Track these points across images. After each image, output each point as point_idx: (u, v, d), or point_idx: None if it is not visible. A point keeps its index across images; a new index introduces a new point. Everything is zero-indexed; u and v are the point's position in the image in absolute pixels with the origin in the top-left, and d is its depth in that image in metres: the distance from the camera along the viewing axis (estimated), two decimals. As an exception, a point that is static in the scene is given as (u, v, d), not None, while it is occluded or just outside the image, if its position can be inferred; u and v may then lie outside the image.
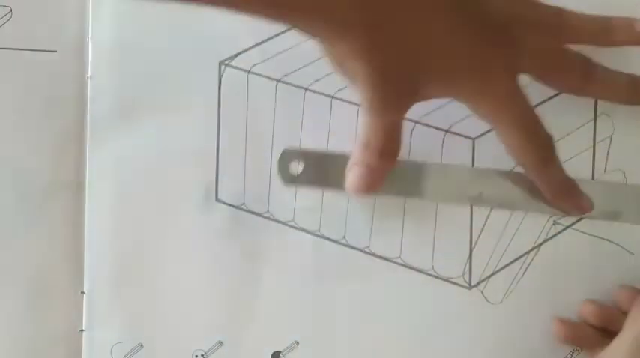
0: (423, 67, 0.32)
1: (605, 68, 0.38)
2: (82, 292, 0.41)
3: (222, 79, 0.41)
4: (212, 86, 0.41)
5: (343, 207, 0.41)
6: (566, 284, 0.41)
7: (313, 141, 0.41)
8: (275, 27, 0.41)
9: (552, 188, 0.38)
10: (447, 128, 0.39)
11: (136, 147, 0.41)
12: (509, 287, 0.41)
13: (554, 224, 0.41)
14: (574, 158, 0.41)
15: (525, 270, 0.41)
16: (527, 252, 0.41)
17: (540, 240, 0.41)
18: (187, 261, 0.41)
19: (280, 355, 0.41)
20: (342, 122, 0.41)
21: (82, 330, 0.41)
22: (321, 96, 0.41)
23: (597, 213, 0.40)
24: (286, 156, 0.40)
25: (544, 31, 0.37)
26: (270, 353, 0.41)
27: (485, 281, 0.41)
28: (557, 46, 0.37)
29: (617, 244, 0.41)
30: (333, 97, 0.40)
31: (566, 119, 0.41)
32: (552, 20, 0.37)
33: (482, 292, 0.41)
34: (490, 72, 0.34)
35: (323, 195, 0.41)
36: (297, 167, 0.40)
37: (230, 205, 0.41)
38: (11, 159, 0.41)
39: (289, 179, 0.40)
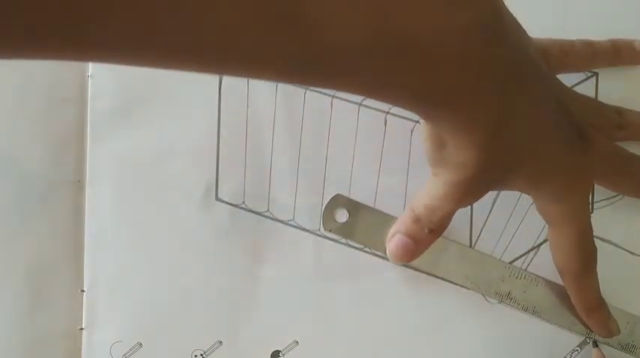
0: (520, 164, 0.32)
1: None
2: (82, 290, 0.41)
3: (223, 78, 0.41)
4: (212, 85, 0.41)
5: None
6: (566, 284, 0.41)
7: (313, 140, 0.41)
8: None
9: (586, 300, 0.38)
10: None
11: (136, 146, 0.41)
12: (509, 287, 0.41)
13: (554, 224, 0.41)
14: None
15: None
16: (527, 252, 0.41)
17: (540, 240, 0.41)
18: (187, 259, 0.41)
19: (280, 354, 0.41)
20: (342, 122, 0.41)
21: (81, 329, 0.41)
22: (321, 95, 0.41)
23: (615, 342, 0.40)
24: (335, 202, 0.41)
25: (609, 133, 0.38)
26: (270, 353, 0.41)
27: (485, 281, 0.41)
28: (619, 149, 0.38)
29: (617, 244, 0.41)
30: (333, 97, 0.41)
31: (566, 119, 0.41)
32: (616, 120, 0.39)
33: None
34: (574, 175, 0.34)
35: (323, 195, 0.41)
36: (342, 215, 0.41)
37: (230, 204, 0.41)
38: (11, 158, 0.41)
39: (331, 225, 0.41)
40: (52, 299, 0.40)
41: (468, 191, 0.33)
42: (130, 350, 0.41)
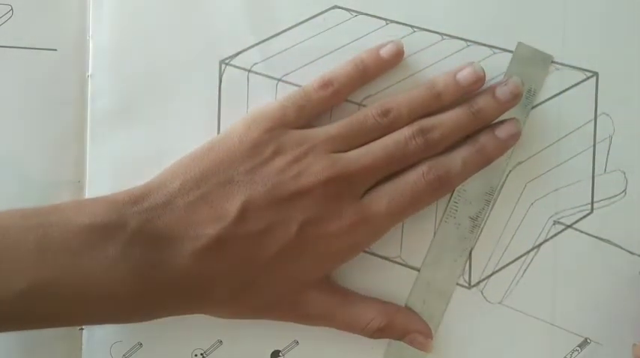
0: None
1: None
2: (82, 291, 0.41)
3: (223, 78, 0.41)
4: (212, 85, 0.41)
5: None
6: (566, 284, 0.41)
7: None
8: (275, 26, 0.41)
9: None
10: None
11: (136, 147, 0.41)
12: (509, 287, 0.41)
13: (554, 224, 0.41)
14: (574, 158, 0.41)
15: (525, 270, 0.41)
16: (527, 252, 0.41)
17: (540, 240, 0.41)
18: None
19: (280, 354, 0.41)
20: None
21: (81, 329, 0.41)
22: (321, 95, 0.40)
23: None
24: None
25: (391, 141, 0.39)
26: (270, 353, 0.41)
27: (485, 281, 0.41)
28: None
29: (617, 244, 0.41)
30: (333, 97, 0.40)
31: (566, 119, 0.41)
32: (384, 124, 0.38)
33: (482, 292, 0.41)
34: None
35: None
36: None
37: (230, 204, 0.41)
38: (11, 159, 0.41)
39: None
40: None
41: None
42: (130, 350, 0.41)
